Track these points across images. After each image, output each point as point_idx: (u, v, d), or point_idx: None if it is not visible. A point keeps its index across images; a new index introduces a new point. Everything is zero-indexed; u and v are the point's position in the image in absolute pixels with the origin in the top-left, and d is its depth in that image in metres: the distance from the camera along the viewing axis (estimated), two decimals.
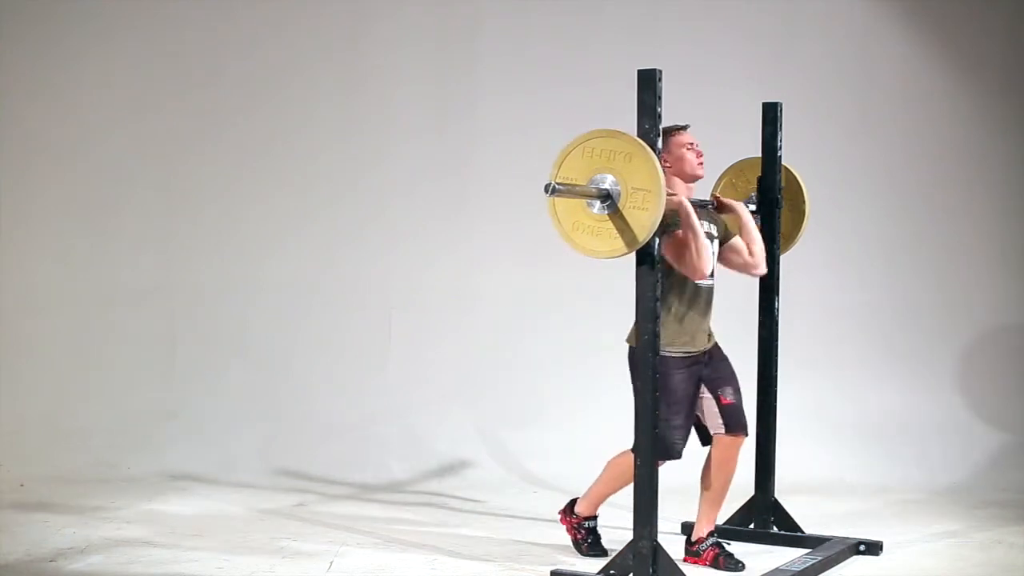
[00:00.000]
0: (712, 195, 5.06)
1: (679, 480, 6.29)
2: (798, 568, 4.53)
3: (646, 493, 4.31)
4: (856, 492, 6.29)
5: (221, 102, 7.22)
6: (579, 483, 6.29)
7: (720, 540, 4.83)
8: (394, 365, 7.06)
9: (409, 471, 6.50)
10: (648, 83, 4.23)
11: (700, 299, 4.71)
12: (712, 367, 4.78)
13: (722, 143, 6.85)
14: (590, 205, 4.29)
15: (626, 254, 4.25)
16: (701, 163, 4.73)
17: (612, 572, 4.38)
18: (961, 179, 7.17)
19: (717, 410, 4.78)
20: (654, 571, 4.29)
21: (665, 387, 4.54)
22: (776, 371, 5.20)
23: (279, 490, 6.33)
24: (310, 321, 7.12)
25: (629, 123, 4.31)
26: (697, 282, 4.66)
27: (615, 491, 4.86)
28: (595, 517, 4.95)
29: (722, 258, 4.83)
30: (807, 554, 4.76)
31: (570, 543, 4.96)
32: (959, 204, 7.17)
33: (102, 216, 7.20)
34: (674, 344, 4.63)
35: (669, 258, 4.55)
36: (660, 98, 4.23)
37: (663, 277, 4.44)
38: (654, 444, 4.33)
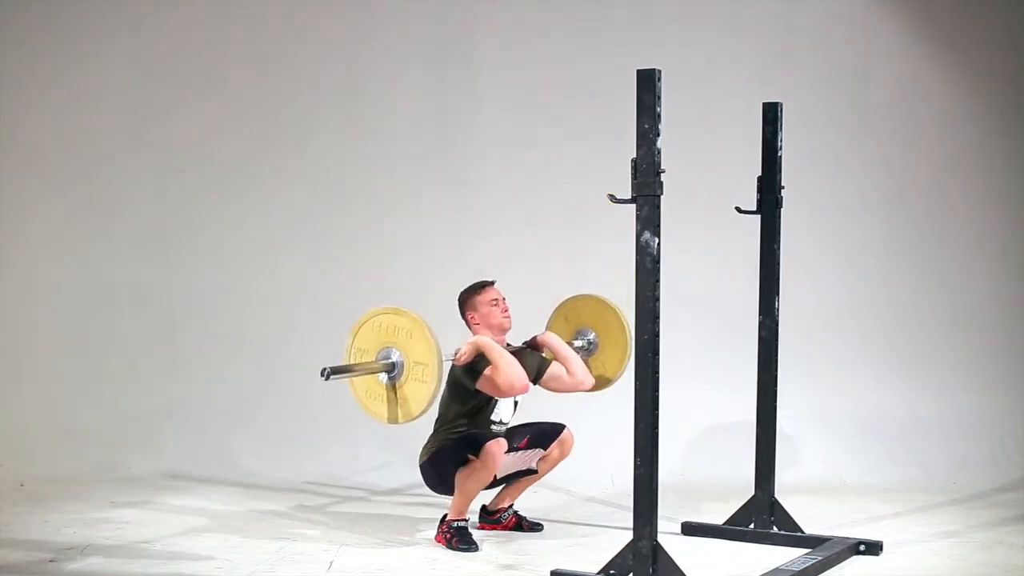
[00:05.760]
0: (524, 341, 5.34)
1: (679, 480, 6.32)
2: (798, 568, 4.53)
3: (646, 493, 4.31)
4: (856, 492, 6.29)
5: (222, 107, 7.22)
6: (579, 483, 6.33)
7: (516, 510, 5.45)
8: None
9: (409, 471, 6.50)
10: (647, 83, 4.23)
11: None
12: None
13: (722, 143, 6.92)
14: (380, 376, 4.70)
15: (411, 421, 4.66)
16: (507, 316, 5.20)
17: (612, 572, 4.38)
18: (961, 178, 7.17)
19: (520, 452, 5.25)
20: (654, 571, 4.29)
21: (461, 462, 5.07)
22: (776, 371, 5.19)
23: (279, 490, 6.33)
24: (309, 322, 7.12)
25: (629, 125, 4.32)
26: (493, 427, 5.18)
27: (470, 497, 5.12)
28: (465, 519, 5.13)
29: (549, 387, 5.29)
30: (807, 554, 4.75)
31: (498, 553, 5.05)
32: (959, 203, 7.17)
33: (102, 217, 7.20)
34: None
35: (489, 392, 5.05)
36: (659, 98, 4.23)
37: (465, 416, 5.09)
38: (651, 446, 4.35)
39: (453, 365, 5.03)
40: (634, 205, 4.27)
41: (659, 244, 4.27)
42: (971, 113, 7.15)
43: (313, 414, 6.97)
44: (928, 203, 7.17)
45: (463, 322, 5.24)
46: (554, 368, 5.27)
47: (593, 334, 5.46)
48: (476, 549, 5.02)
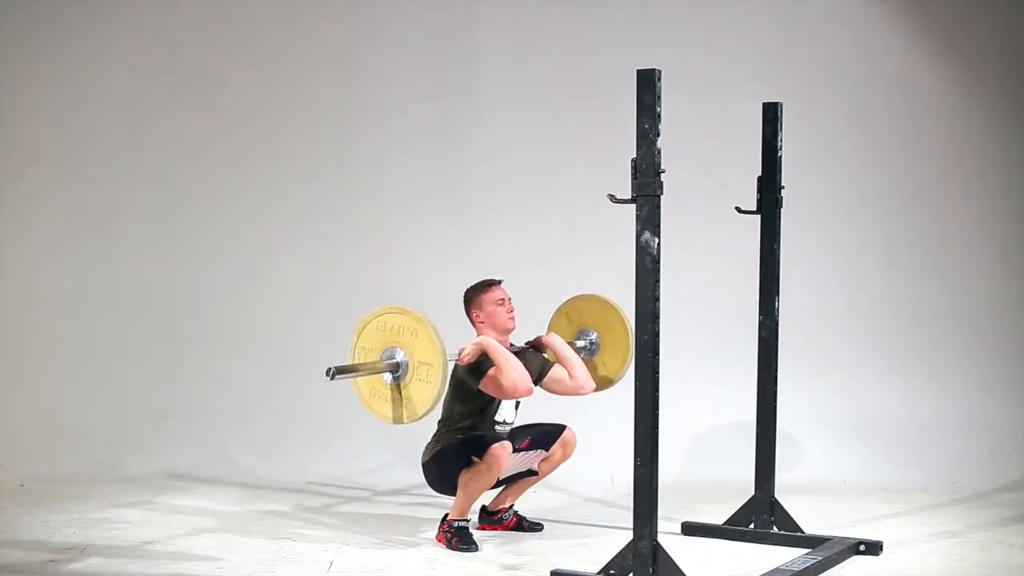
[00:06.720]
0: (527, 342, 5.35)
1: (679, 480, 6.32)
2: (798, 568, 4.53)
3: (646, 493, 4.31)
4: (856, 492, 6.29)
5: (222, 107, 7.22)
6: (579, 483, 6.33)
7: (517, 510, 5.45)
8: None
9: (409, 471, 6.50)
10: (647, 83, 4.23)
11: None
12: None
13: (722, 143, 6.92)
14: (384, 376, 4.67)
15: (415, 421, 4.66)
16: (512, 317, 5.18)
17: (612, 572, 4.38)
18: (961, 178, 7.17)
19: (523, 453, 5.24)
20: (654, 571, 4.29)
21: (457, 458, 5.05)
22: (776, 371, 5.19)
23: (279, 490, 6.33)
24: (309, 322, 7.12)
25: (629, 125, 4.32)
26: (496, 427, 5.18)
27: (472, 498, 5.11)
28: (467, 520, 5.12)
29: (550, 389, 5.30)
30: (807, 554, 4.75)
31: (488, 551, 5.06)
32: (959, 203, 7.17)
33: (102, 217, 7.20)
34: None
35: (492, 393, 5.05)
36: (659, 98, 4.23)
37: (469, 417, 5.08)
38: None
39: (456, 365, 5.01)
40: (634, 205, 4.27)
41: (659, 244, 4.27)
42: (971, 112, 7.15)
43: (313, 414, 6.97)
44: (928, 203, 7.17)
45: (467, 319, 5.23)
46: (556, 371, 5.27)
47: (595, 334, 5.47)
48: (476, 549, 5.02)
